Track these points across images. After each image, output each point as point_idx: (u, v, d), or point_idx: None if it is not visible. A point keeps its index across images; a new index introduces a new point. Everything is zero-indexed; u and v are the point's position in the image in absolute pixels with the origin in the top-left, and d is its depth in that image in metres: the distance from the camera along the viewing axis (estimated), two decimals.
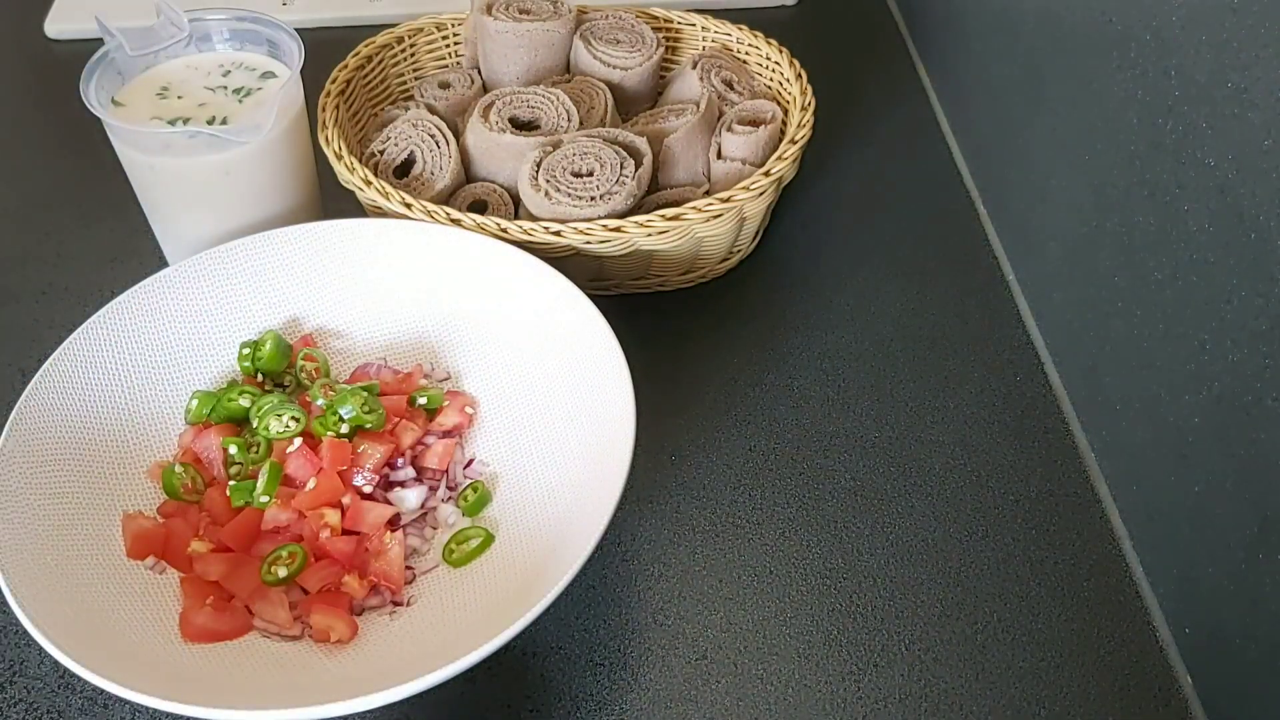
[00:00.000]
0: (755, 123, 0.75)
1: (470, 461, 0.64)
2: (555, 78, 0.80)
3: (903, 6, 1.02)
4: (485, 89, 0.81)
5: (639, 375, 0.59)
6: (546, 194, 0.69)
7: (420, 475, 0.63)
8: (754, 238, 0.79)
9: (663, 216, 0.68)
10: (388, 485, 0.62)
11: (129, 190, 0.73)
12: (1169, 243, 0.58)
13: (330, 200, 0.77)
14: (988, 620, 0.60)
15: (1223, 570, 0.55)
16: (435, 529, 0.62)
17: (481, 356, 0.68)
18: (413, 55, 0.84)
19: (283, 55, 0.72)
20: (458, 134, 0.76)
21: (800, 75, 0.78)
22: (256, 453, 0.63)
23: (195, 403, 0.64)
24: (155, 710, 0.51)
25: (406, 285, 0.69)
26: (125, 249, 0.79)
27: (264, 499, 0.60)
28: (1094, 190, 0.66)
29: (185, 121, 0.69)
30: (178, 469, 0.62)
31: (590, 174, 0.70)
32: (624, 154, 0.71)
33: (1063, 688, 0.58)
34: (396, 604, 0.58)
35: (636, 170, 0.70)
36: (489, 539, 0.60)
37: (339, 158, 0.71)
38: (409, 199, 0.69)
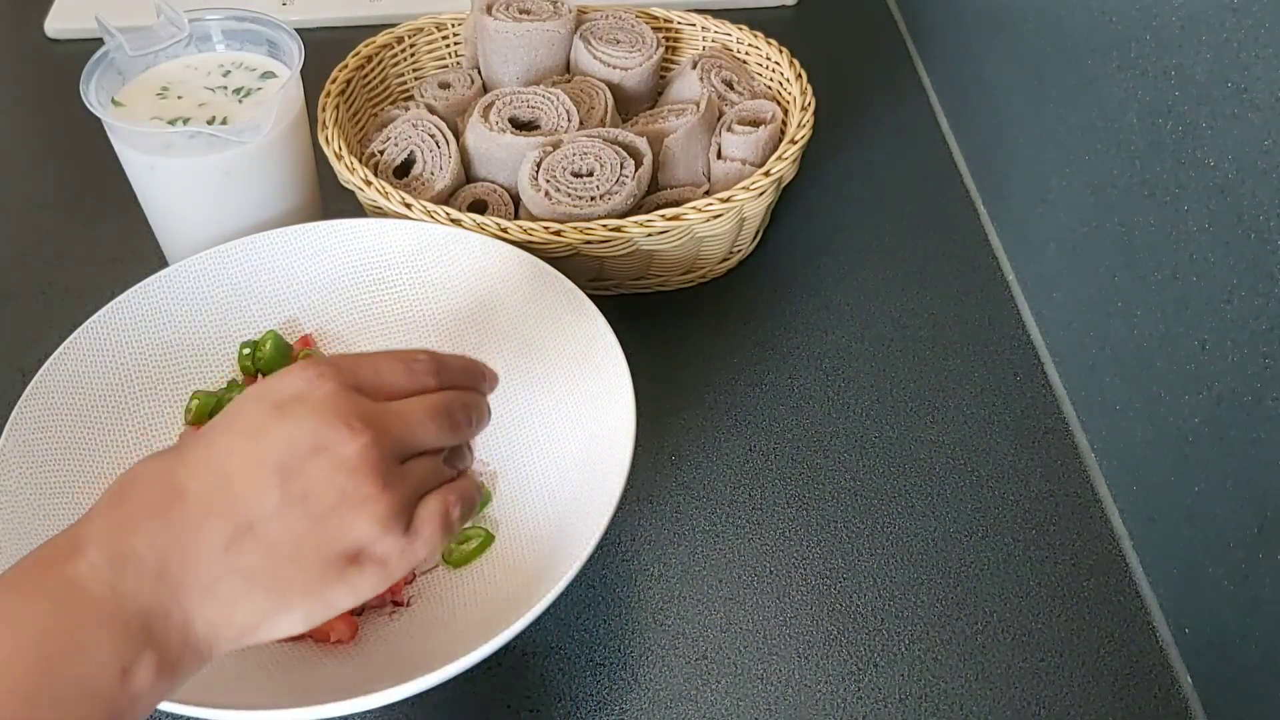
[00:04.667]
0: (755, 123, 0.75)
1: None
2: (555, 78, 0.80)
3: (903, 6, 1.02)
4: (485, 89, 0.81)
5: (639, 375, 0.59)
6: (546, 194, 0.69)
7: None
8: (754, 238, 0.79)
9: (663, 216, 0.68)
10: None
11: (129, 190, 0.73)
12: (1169, 243, 0.58)
13: (330, 200, 0.77)
14: (988, 620, 0.60)
15: (1223, 570, 0.55)
16: None
17: (481, 356, 0.67)
18: (413, 55, 0.84)
19: (282, 55, 0.72)
20: (458, 134, 0.76)
21: (800, 75, 0.78)
22: None
23: (195, 403, 0.64)
24: (155, 710, 0.51)
25: (406, 285, 0.69)
26: (125, 249, 0.79)
27: None
28: (1094, 190, 0.66)
29: (185, 121, 0.69)
30: None
31: (590, 174, 0.70)
32: (624, 154, 0.71)
33: (1063, 688, 0.58)
34: (396, 604, 0.58)
35: (636, 170, 0.70)
36: (489, 539, 0.60)
37: (339, 158, 0.71)
38: (409, 199, 0.69)
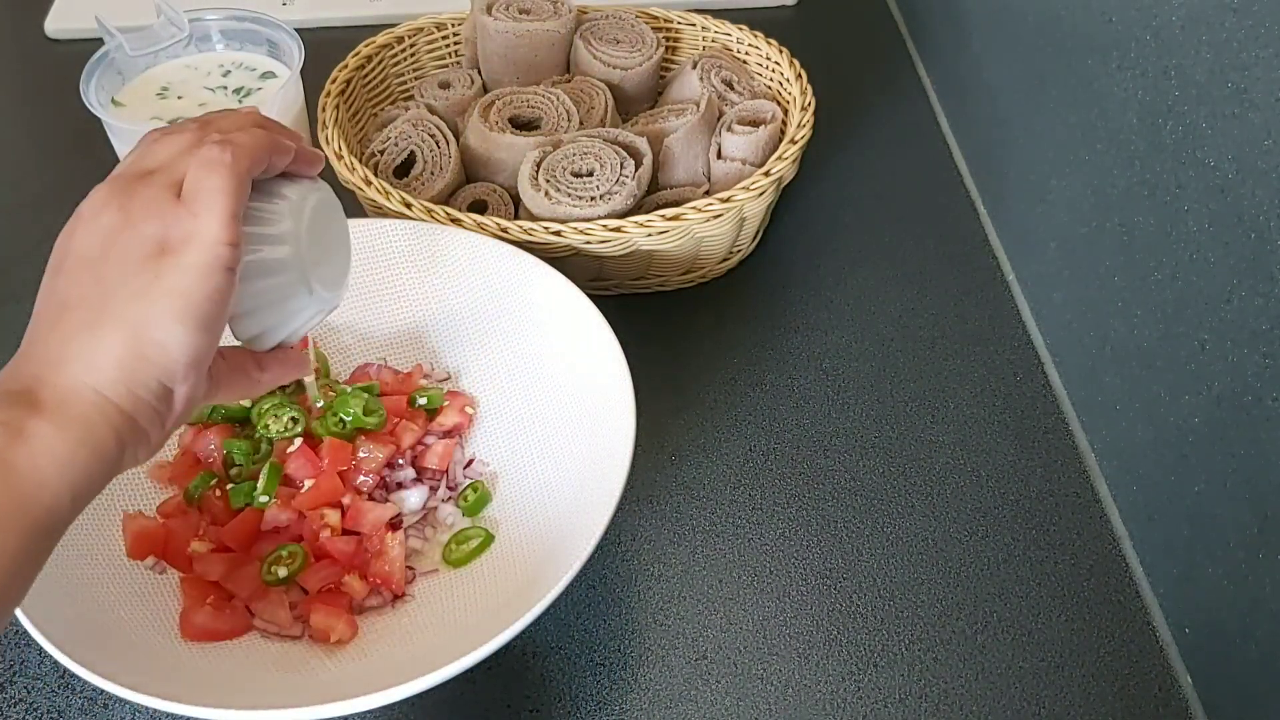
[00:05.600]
0: (755, 123, 0.75)
1: (470, 461, 0.64)
2: (555, 78, 0.80)
3: (903, 6, 1.02)
4: (485, 89, 0.81)
5: (639, 375, 0.59)
6: (546, 194, 0.69)
7: (420, 475, 0.63)
8: (754, 238, 0.79)
9: (663, 216, 0.68)
10: (389, 486, 0.62)
11: None
12: (1169, 243, 0.58)
13: None
14: (988, 620, 0.60)
15: (1223, 570, 0.55)
16: (435, 529, 0.62)
17: (481, 356, 0.68)
18: (413, 55, 0.84)
19: (282, 55, 0.73)
20: (458, 134, 0.76)
21: (800, 75, 0.78)
22: (257, 453, 0.62)
23: None
24: (155, 710, 0.51)
25: (406, 285, 0.69)
26: None
27: (264, 499, 0.60)
28: (1094, 190, 0.66)
29: None
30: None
31: (590, 174, 0.70)
32: (624, 154, 0.71)
33: (1063, 688, 0.58)
34: (397, 604, 0.58)
35: (636, 170, 0.70)
36: (489, 539, 0.60)
37: (339, 158, 0.71)
38: (409, 199, 0.69)
